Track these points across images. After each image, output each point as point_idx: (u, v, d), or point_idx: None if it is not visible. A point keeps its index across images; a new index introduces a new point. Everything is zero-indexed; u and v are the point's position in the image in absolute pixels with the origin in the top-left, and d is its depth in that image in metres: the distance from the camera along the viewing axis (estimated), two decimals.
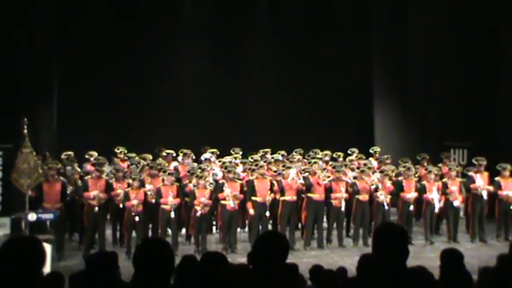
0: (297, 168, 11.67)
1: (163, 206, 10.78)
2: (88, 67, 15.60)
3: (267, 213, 11.05)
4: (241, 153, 13.67)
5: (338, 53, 16.70)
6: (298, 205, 11.57)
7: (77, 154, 12.76)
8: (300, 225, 11.99)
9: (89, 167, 12.19)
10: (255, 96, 16.79)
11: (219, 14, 16.78)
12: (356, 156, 13.59)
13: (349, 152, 13.93)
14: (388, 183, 11.60)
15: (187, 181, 11.61)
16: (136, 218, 10.53)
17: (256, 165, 11.55)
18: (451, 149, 14.66)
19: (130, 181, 10.87)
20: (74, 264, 9.78)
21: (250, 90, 16.74)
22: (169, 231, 11.02)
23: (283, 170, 11.55)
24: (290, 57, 16.88)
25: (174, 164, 12.94)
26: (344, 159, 13.39)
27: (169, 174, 11.08)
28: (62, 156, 12.53)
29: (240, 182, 11.28)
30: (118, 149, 13.19)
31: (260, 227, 11.16)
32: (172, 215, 10.70)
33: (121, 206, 10.85)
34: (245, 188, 11.19)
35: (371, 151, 14.31)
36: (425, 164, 13.10)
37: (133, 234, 10.79)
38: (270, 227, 11.38)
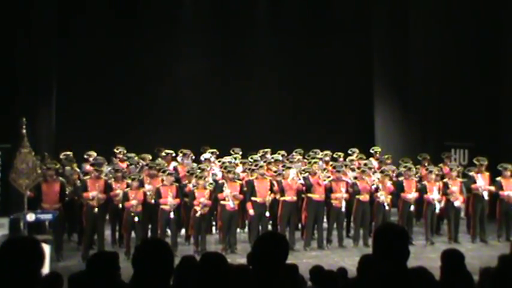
0: (297, 168, 11.64)
1: (162, 207, 10.75)
2: (87, 67, 15.60)
3: (267, 214, 11.02)
4: (241, 153, 13.65)
5: (338, 53, 16.69)
6: (298, 205, 11.54)
7: (76, 154, 12.73)
8: (300, 225, 11.96)
9: (87, 167, 12.16)
10: (255, 96, 16.78)
11: (219, 14, 16.76)
12: (356, 156, 13.56)
13: (349, 152, 13.90)
14: (389, 184, 11.57)
15: (186, 181, 11.57)
16: (136, 219, 10.50)
17: (256, 165, 11.52)
18: (451, 149, 14.63)
19: (129, 181, 10.85)
20: (73, 264, 9.79)
21: (250, 90, 16.73)
22: (169, 231, 11.00)
23: (283, 170, 11.52)
24: (290, 57, 16.86)
25: (173, 164, 12.91)
26: (344, 159, 13.35)
27: (168, 174, 11.04)
28: (61, 156, 12.49)
29: (240, 182, 11.24)
30: (117, 149, 13.16)
31: (260, 228, 11.13)
32: (172, 215, 10.67)
33: (120, 206, 10.83)
34: (245, 188, 11.16)
35: (371, 151, 14.28)
36: (426, 164, 13.07)
37: (133, 234, 10.77)
38: (269, 227, 11.35)
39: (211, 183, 11.37)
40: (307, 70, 16.91)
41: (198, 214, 10.72)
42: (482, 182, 11.71)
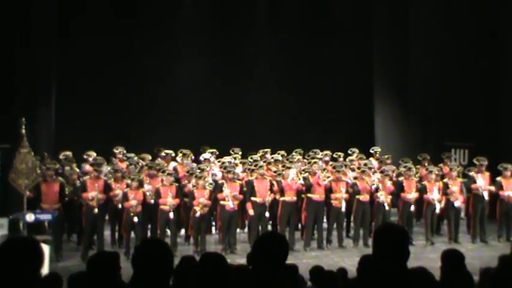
0: (296, 168, 11.62)
1: (162, 207, 10.73)
2: (87, 67, 15.59)
3: (267, 214, 11.00)
4: (240, 153, 13.62)
5: (338, 53, 16.67)
6: (298, 205, 11.52)
7: (76, 154, 12.70)
8: (299, 225, 11.93)
9: (87, 167, 12.14)
10: (255, 96, 16.76)
11: (219, 14, 16.75)
12: (356, 156, 13.54)
13: (349, 152, 13.88)
14: (389, 184, 11.56)
15: (186, 181, 11.55)
16: (135, 219, 10.49)
17: (256, 165, 11.50)
18: (452, 149, 14.61)
19: (129, 181, 10.83)
20: (72, 265, 9.77)
21: (250, 90, 16.71)
22: (168, 231, 10.99)
23: (283, 170, 11.50)
24: (290, 57, 16.85)
25: (173, 164, 12.89)
26: (344, 159, 13.33)
27: (168, 174, 11.03)
28: (60, 156, 12.47)
29: (240, 182, 11.22)
30: (117, 149, 13.14)
31: (260, 228, 11.11)
32: (171, 215, 10.66)
33: (120, 206, 10.81)
34: (244, 189, 11.14)
35: (371, 151, 14.26)
36: (426, 164, 13.05)
37: (132, 234, 10.75)
38: (269, 227, 11.33)
39: (210, 183, 11.35)
40: (307, 70, 16.89)
41: (197, 214, 10.70)
42: (482, 182, 11.69)
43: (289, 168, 11.43)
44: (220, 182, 11.32)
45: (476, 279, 4.79)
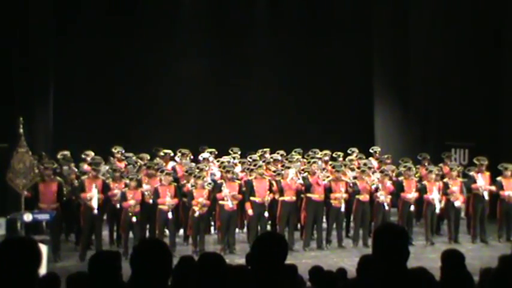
0: (296, 168, 11.57)
1: (160, 207, 10.69)
2: (85, 66, 15.59)
3: (266, 214, 10.96)
4: (239, 153, 13.59)
5: (338, 53, 16.64)
6: (297, 205, 11.48)
7: (74, 154, 12.66)
8: (299, 225, 11.90)
9: (85, 166, 12.09)
10: (254, 96, 16.73)
11: (218, 14, 16.74)
12: (356, 156, 13.50)
13: (349, 151, 13.84)
14: (389, 183, 11.52)
15: (185, 181, 11.50)
16: (134, 219, 10.45)
17: (255, 165, 11.46)
18: (452, 149, 14.58)
19: (127, 181, 10.79)
20: (70, 265, 9.74)
21: (249, 90, 16.69)
22: (167, 231, 10.95)
23: (282, 170, 11.46)
24: (290, 57, 16.83)
25: (171, 163, 12.86)
26: (344, 159, 13.29)
27: (166, 174, 10.98)
28: (58, 156, 12.40)
29: (239, 182, 11.18)
30: (115, 149, 13.09)
31: (259, 228, 11.07)
32: (170, 215, 10.62)
33: (118, 206, 10.76)
34: (244, 188, 11.10)
35: (371, 151, 14.23)
36: (426, 164, 13.01)
37: (131, 234, 10.69)
38: (268, 227, 11.28)
39: (209, 183, 11.31)
40: (307, 70, 16.87)
41: (196, 214, 10.66)
42: (482, 182, 11.65)
43: (288, 168, 11.39)
44: (219, 181, 11.29)
45: (476, 279, 4.76)
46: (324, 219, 11.62)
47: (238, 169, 12.24)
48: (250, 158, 12.82)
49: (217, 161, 12.84)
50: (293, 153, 13.14)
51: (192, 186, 10.95)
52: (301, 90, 16.86)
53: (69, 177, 11.50)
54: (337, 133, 16.07)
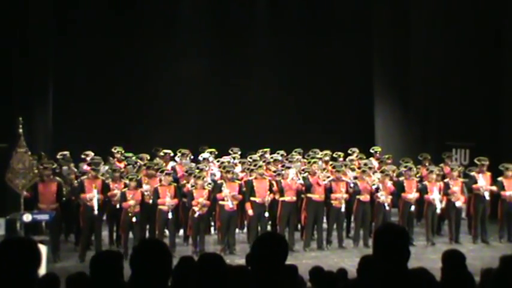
0: (296, 168, 11.55)
1: (160, 207, 10.67)
2: (85, 66, 15.59)
3: (266, 214, 10.93)
4: (239, 153, 13.57)
5: (338, 53, 16.63)
6: (297, 206, 11.45)
7: (73, 154, 12.64)
8: (299, 226, 11.87)
9: (85, 167, 12.07)
10: (254, 96, 16.72)
11: (219, 14, 16.73)
12: (356, 156, 13.48)
13: (349, 151, 13.82)
14: (389, 184, 11.50)
15: (185, 181, 11.48)
16: (134, 219, 10.42)
17: (255, 165, 11.43)
18: (452, 149, 14.56)
19: (127, 181, 10.76)
20: (70, 265, 9.73)
21: (249, 90, 16.68)
22: (167, 232, 10.93)
23: (282, 170, 11.43)
24: (290, 57, 16.82)
25: (171, 164, 12.83)
26: (344, 159, 13.27)
27: (166, 174, 10.96)
28: (58, 156, 12.37)
29: (239, 182, 11.15)
30: (115, 149, 13.08)
31: (259, 228, 11.05)
32: (170, 215, 10.60)
33: (118, 206, 10.73)
34: (244, 189, 11.07)
35: (371, 151, 14.21)
36: (426, 164, 12.99)
37: (130, 235, 10.67)
38: (269, 227, 11.26)
39: (209, 183, 11.29)
40: (307, 70, 16.85)
41: (196, 214, 10.64)
42: (483, 182, 11.63)
43: (288, 168, 11.37)
44: (219, 182, 11.26)
45: (477, 280, 4.75)
46: (325, 220, 11.59)
47: (238, 169, 12.22)
48: (250, 158, 12.79)
49: (217, 161, 12.82)
50: (293, 153, 13.13)
51: (192, 186, 10.92)
52: (301, 90, 16.85)
53: (68, 178, 11.49)
54: (338, 133, 16.05)
